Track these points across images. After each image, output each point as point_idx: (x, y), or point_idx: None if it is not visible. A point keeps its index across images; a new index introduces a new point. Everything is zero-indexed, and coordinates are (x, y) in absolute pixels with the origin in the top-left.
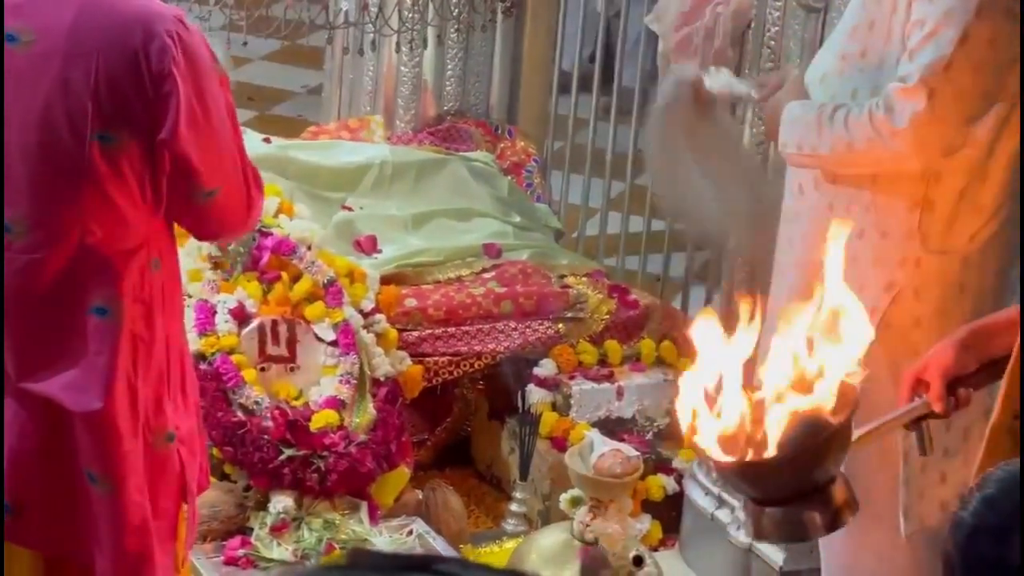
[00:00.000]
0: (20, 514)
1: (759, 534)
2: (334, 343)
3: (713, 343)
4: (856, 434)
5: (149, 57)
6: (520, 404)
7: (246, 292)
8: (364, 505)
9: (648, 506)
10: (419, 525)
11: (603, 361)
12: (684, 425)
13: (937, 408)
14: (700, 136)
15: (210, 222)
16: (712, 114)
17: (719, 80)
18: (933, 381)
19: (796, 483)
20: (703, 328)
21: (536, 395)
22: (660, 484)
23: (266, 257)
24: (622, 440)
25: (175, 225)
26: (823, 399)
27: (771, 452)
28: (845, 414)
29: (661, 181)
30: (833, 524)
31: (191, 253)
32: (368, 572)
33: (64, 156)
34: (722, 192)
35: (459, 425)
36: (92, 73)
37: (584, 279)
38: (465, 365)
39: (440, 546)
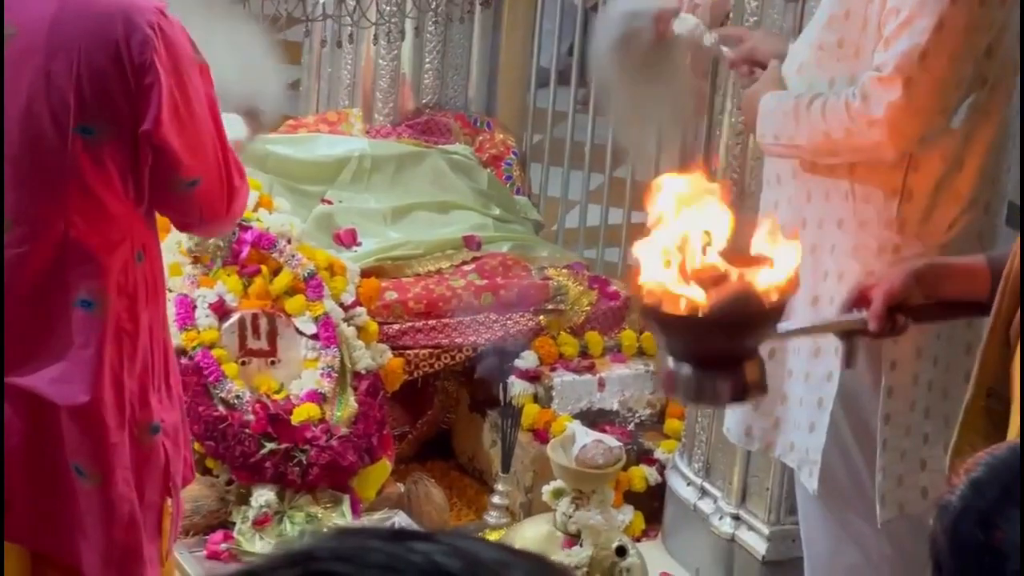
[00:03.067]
0: (7, 508)
1: (669, 389)
2: (315, 336)
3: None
4: (788, 326)
5: (131, 49)
6: (502, 396)
7: (226, 286)
8: (346, 498)
9: (630, 497)
10: (401, 518)
11: (584, 353)
12: (638, 266)
13: (872, 325)
14: (650, 68)
15: (192, 212)
16: (667, 53)
17: (686, 25)
18: (876, 299)
19: (715, 347)
20: (674, 186)
21: (518, 387)
22: (642, 475)
23: (246, 251)
24: (604, 431)
25: (157, 219)
26: (764, 279)
27: (703, 311)
28: (780, 299)
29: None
30: (737, 397)
31: (171, 247)
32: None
33: (47, 150)
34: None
35: (440, 418)
36: (74, 66)
37: (564, 271)
38: (446, 358)
39: None
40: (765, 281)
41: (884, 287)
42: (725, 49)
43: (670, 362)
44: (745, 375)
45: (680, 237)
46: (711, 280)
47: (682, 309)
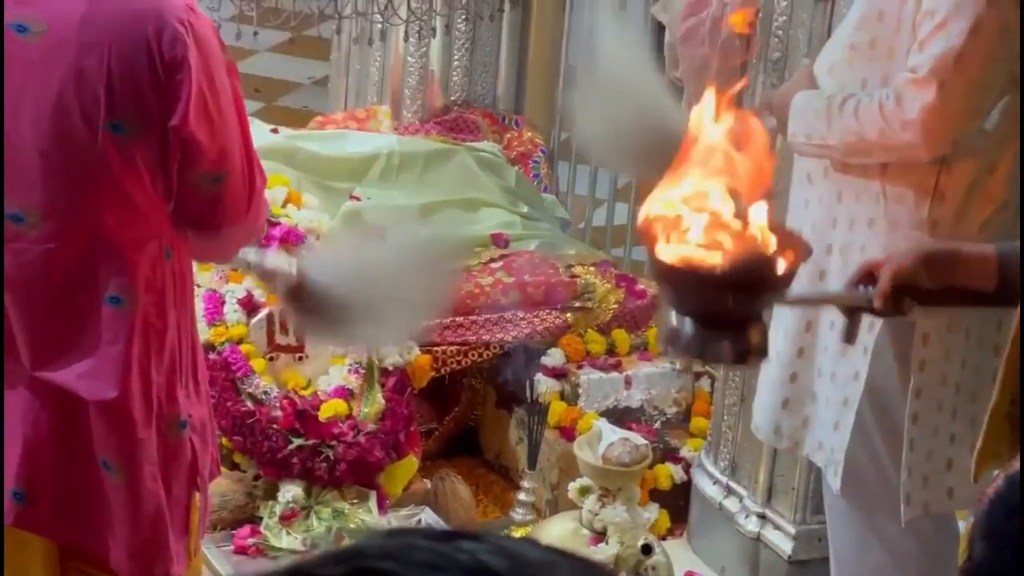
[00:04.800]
0: (34, 503)
1: (671, 343)
2: None
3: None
4: (794, 294)
5: (161, 45)
6: (528, 393)
7: (255, 282)
8: (373, 494)
9: (656, 495)
10: (427, 514)
11: (611, 350)
12: (643, 216)
13: (876, 303)
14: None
15: (216, 209)
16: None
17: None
18: (883, 278)
19: (723, 306)
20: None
21: (544, 384)
22: (668, 473)
23: (274, 247)
24: (630, 429)
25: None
26: (775, 244)
27: (716, 268)
28: (790, 265)
29: None
30: (739, 359)
31: None
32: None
33: (77, 146)
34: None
35: (467, 415)
36: (104, 62)
37: (592, 269)
38: (473, 355)
39: None
40: (778, 245)
41: (892, 266)
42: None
43: (674, 318)
44: (749, 338)
45: (700, 192)
46: (725, 238)
47: (694, 264)
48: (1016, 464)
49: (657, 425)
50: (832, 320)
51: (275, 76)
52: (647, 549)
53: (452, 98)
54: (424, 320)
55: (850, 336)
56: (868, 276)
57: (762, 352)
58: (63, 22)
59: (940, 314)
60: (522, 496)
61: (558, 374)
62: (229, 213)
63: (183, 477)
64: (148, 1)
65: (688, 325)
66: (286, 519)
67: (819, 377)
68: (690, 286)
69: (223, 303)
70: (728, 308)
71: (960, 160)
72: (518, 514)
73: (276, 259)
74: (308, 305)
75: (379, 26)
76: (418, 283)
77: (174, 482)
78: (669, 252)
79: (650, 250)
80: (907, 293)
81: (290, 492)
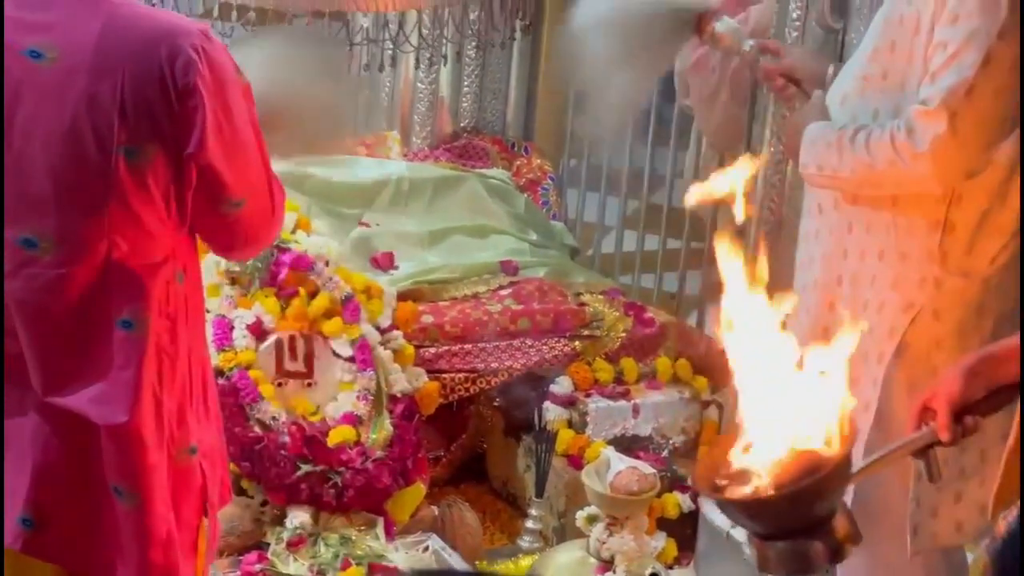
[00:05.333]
0: (44, 528)
1: (764, 567)
2: (351, 359)
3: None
4: (862, 464)
5: (175, 71)
6: (536, 421)
7: (264, 308)
8: (380, 521)
9: (664, 524)
10: (435, 541)
11: (619, 379)
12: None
13: (943, 437)
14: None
15: (237, 233)
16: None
17: (728, 26)
18: (940, 409)
19: (797, 519)
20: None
21: (552, 412)
22: (676, 502)
23: (284, 273)
24: (638, 458)
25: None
26: (819, 434)
27: (769, 490)
28: (844, 448)
29: None
30: (836, 556)
31: (209, 268)
32: None
33: (90, 171)
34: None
35: (475, 442)
36: (118, 88)
37: (600, 297)
38: (481, 382)
39: (456, 562)
40: (824, 439)
41: (944, 396)
42: (763, 58)
43: (758, 542)
44: (836, 533)
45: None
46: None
47: (751, 494)
48: None
49: (665, 454)
50: None
51: None
52: None
53: (462, 124)
54: (333, 131)
55: (932, 475)
56: (925, 412)
57: (855, 537)
58: (76, 48)
59: (950, 347)
60: (529, 524)
61: (566, 402)
62: (251, 234)
63: (192, 502)
64: (161, 27)
65: (773, 545)
66: (293, 545)
67: None
68: (756, 515)
69: (232, 328)
70: (802, 520)
71: (970, 192)
72: (525, 541)
73: None
74: None
75: (389, 52)
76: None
77: (183, 507)
78: (726, 489)
79: (712, 493)
80: (967, 411)
81: (298, 518)
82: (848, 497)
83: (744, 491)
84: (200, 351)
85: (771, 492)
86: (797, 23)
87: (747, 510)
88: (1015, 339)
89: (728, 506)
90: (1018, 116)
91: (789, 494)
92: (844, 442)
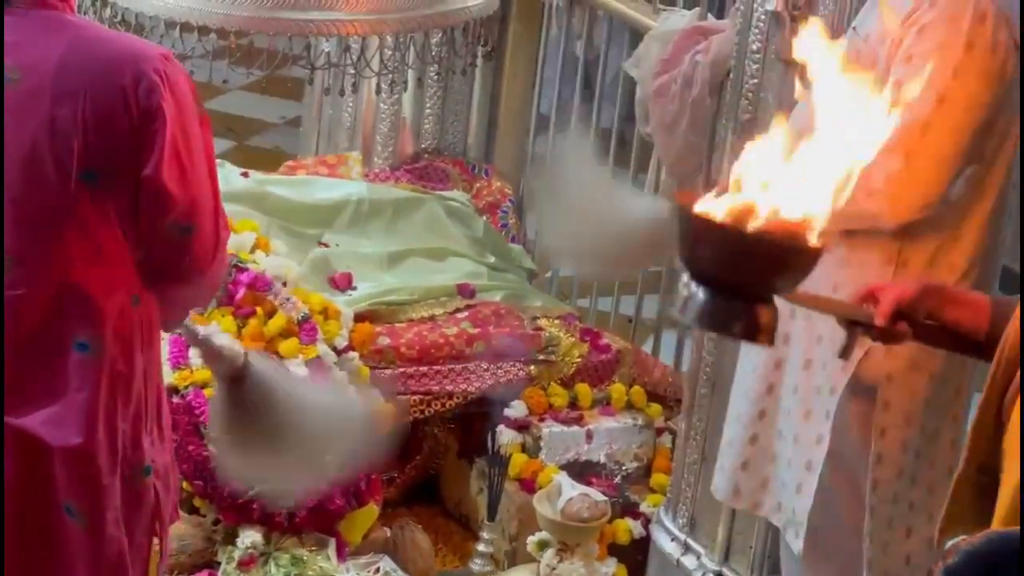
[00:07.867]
0: None
1: (683, 311)
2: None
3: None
4: (802, 292)
5: (137, 95)
6: (490, 444)
7: (221, 327)
8: (332, 542)
9: (614, 549)
10: (386, 563)
11: (573, 404)
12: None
13: (878, 320)
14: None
15: (183, 259)
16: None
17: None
18: (885, 299)
19: (745, 272)
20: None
21: (506, 436)
22: (627, 528)
23: (241, 292)
24: (590, 483)
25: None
26: (814, 220)
27: (751, 228)
28: (820, 247)
29: None
30: (748, 335)
31: None
32: None
33: (49, 194)
34: None
35: (428, 464)
36: (79, 112)
37: (557, 322)
38: (436, 404)
39: None
40: (815, 219)
41: (896, 290)
42: None
43: (687, 284)
44: (760, 316)
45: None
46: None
47: (728, 220)
48: (955, 553)
49: (617, 480)
50: (795, 383)
51: (247, 115)
52: None
53: (423, 146)
54: (321, 476)
55: (846, 351)
56: (870, 297)
57: (770, 336)
58: (38, 71)
59: (902, 381)
60: (481, 547)
61: (520, 426)
62: (196, 264)
63: (145, 523)
64: (123, 51)
65: (702, 293)
66: (244, 565)
67: (780, 439)
68: (720, 245)
69: (188, 347)
70: (747, 278)
71: (923, 230)
72: (476, 564)
73: (226, 338)
74: (245, 399)
75: (351, 77)
76: (334, 439)
77: (136, 528)
78: (709, 206)
79: (686, 205)
80: (905, 319)
81: (249, 538)
82: (802, 530)
83: (723, 217)
84: (155, 374)
85: (749, 229)
86: (757, 55)
87: (711, 237)
88: (975, 294)
89: (693, 228)
90: (971, 154)
91: (765, 240)
92: (823, 241)
